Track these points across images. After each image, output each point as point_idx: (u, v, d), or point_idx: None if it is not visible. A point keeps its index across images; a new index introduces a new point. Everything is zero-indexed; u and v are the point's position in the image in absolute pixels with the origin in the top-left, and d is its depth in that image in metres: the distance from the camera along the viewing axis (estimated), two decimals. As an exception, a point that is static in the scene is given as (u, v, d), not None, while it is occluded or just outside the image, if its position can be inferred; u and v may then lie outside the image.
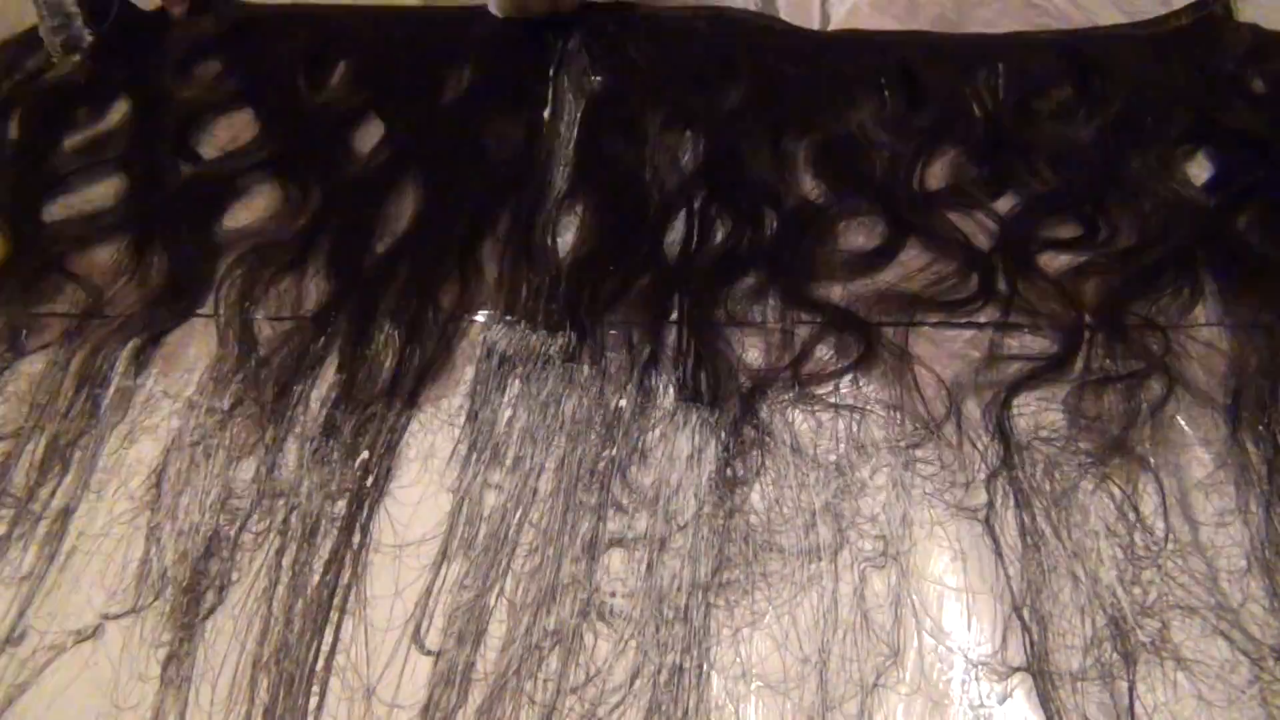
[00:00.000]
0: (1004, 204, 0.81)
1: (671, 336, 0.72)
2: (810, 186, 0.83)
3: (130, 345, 0.72)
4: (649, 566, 0.60)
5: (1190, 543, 0.60)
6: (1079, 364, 0.69)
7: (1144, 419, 0.66)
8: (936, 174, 0.84)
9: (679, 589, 0.59)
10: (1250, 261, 0.76)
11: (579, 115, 0.89)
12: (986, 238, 0.78)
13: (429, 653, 0.58)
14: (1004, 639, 0.57)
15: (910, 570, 0.60)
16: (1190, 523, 0.61)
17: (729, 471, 0.64)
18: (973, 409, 0.67)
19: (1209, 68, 0.91)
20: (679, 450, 0.65)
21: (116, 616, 0.60)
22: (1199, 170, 0.83)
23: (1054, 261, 0.76)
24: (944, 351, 0.71)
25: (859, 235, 0.79)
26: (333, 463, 0.66)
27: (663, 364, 0.70)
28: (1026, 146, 0.85)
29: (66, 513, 0.64)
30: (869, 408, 0.67)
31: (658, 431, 0.66)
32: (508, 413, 0.68)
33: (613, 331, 0.72)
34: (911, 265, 0.76)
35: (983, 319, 0.72)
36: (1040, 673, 0.56)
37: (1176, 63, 0.92)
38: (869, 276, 0.76)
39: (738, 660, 0.57)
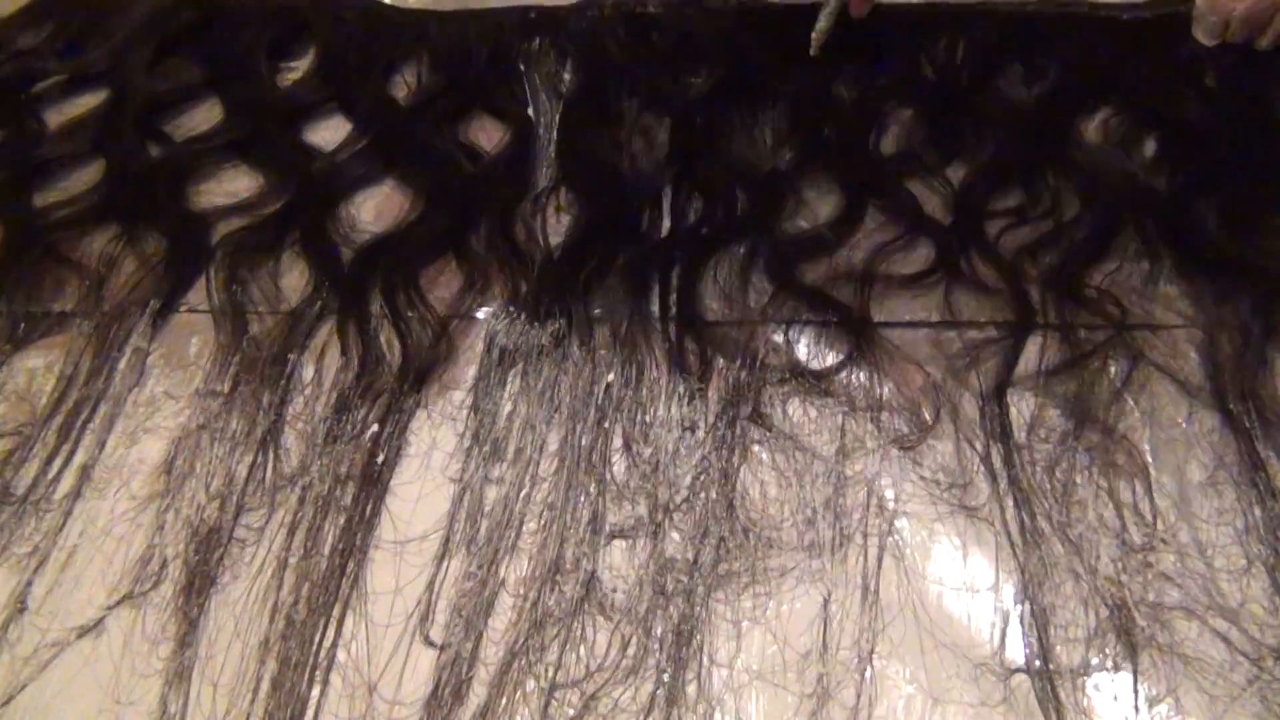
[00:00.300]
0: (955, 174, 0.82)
1: (660, 322, 0.73)
2: (785, 156, 0.84)
3: (130, 339, 0.73)
4: (649, 557, 0.60)
5: (1189, 543, 0.61)
6: (1073, 361, 0.69)
7: (1142, 419, 0.66)
8: (894, 137, 0.86)
9: (680, 581, 0.59)
10: (1211, 253, 0.75)
11: (557, 116, 0.90)
12: (940, 206, 0.79)
13: (433, 644, 0.58)
14: (1004, 636, 0.58)
15: (910, 566, 0.60)
16: (1189, 522, 0.62)
17: (727, 465, 0.64)
18: (971, 407, 0.67)
19: (1164, 58, 0.91)
20: (675, 437, 0.65)
21: (117, 604, 0.60)
22: (1146, 155, 0.83)
23: (1011, 235, 0.77)
24: (941, 350, 0.71)
25: (823, 207, 0.80)
26: (340, 445, 0.66)
27: (653, 346, 0.71)
28: (978, 115, 0.86)
29: (69, 509, 0.64)
30: (862, 406, 0.68)
31: (654, 415, 0.67)
32: (508, 407, 0.68)
33: (596, 311, 0.73)
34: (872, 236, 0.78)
35: (981, 319, 0.73)
36: (1040, 670, 0.56)
37: (1131, 49, 0.92)
38: (835, 250, 0.77)
39: (739, 654, 0.57)
